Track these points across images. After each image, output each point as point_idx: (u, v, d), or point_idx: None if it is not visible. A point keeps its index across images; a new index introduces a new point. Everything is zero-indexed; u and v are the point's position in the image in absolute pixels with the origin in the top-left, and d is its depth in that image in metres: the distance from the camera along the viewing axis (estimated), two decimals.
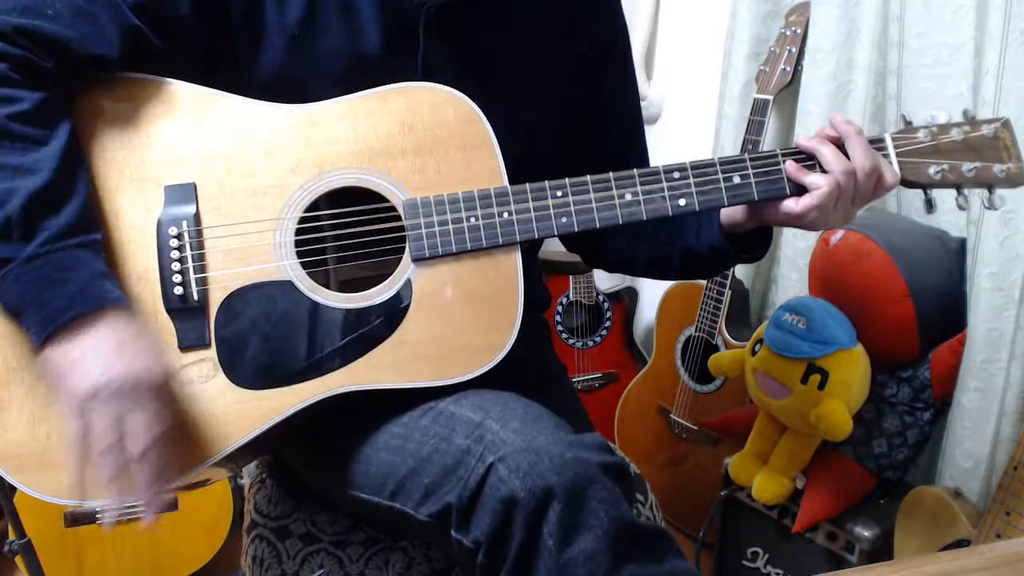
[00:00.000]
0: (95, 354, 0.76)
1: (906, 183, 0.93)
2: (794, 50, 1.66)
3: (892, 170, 0.92)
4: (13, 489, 1.66)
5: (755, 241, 1.02)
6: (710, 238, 1.00)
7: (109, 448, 0.75)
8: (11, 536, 1.45)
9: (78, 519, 1.73)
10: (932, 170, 0.92)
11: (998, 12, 1.28)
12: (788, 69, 1.66)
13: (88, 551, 1.75)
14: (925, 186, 0.94)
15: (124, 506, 0.80)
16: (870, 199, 0.93)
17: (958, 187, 0.93)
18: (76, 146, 0.83)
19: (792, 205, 0.91)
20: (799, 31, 1.66)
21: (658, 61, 2.30)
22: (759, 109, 1.67)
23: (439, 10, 0.94)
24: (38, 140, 0.80)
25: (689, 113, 2.19)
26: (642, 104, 2.44)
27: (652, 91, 2.29)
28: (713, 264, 1.07)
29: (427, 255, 0.87)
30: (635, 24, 2.26)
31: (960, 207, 0.94)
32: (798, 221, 0.93)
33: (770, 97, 1.67)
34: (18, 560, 1.48)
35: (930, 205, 0.95)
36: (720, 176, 0.90)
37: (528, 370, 1.03)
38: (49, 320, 0.76)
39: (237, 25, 0.91)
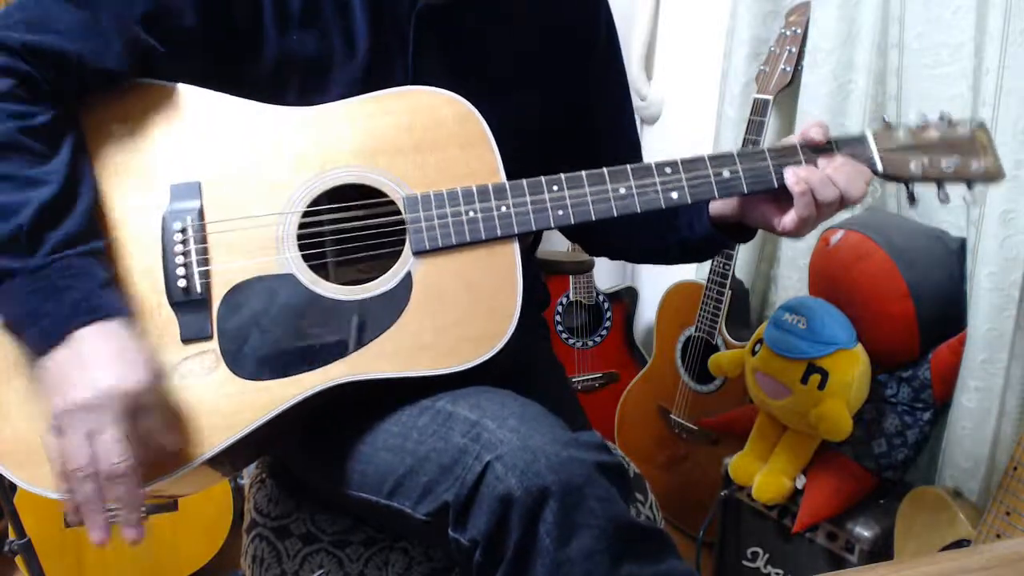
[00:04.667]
0: (84, 366, 0.75)
1: (888, 177, 0.96)
2: (794, 50, 1.66)
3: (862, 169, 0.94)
4: (13, 489, 1.66)
5: (743, 229, 1.04)
6: (702, 231, 1.03)
7: (81, 467, 0.74)
8: (11, 536, 1.45)
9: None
10: (913, 165, 0.95)
11: (998, 12, 1.28)
12: (788, 69, 1.66)
13: (88, 551, 1.75)
14: (907, 180, 0.96)
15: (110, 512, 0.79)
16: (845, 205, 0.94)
17: (939, 182, 0.96)
18: (82, 156, 0.84)
19: (776, 225, 0.95)
20: (799, 31, 1.66)
21: (658, 61, 2.30)
22: (759, 109, 1.67)
23: (428, 11, 0.95)
24: (47, 153, 0.80)
25: (689, 113, 2.19)
26: (642, 104, 2.46)
27: (652, 91, 2.29)
28: (706, 251, 1.13)
29: (427, 248, 0.88)
30: (635, 24, 2.26)
31: (941, 201, 0.97)
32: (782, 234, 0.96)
33: (770, 97, 1.67)
34: (18, 560, 1.49)
35: (912, 199, 0.98)
36: (710, 171, 0.93)
37: (527, 369, 1.03)
38: (51, 330, 0.76)
39: (240, 34, 0.92)
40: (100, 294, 0.78)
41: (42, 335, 0.76)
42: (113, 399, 0.74)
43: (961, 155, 0.95)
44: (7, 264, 0.76)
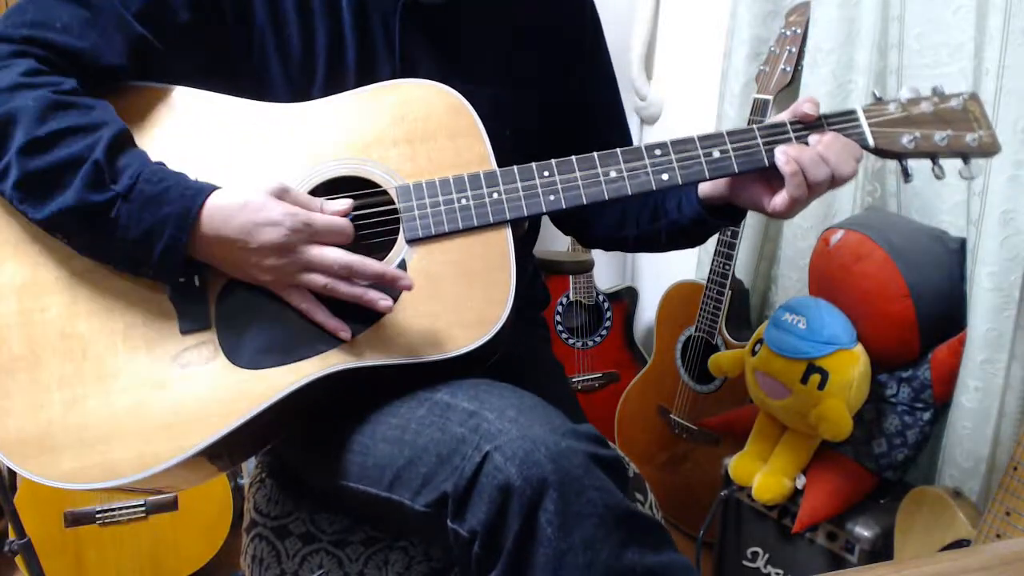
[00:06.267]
0: (246, 216, 0.81)
1: (880, 151, 0.95)
2: (794, 50, 1.66)
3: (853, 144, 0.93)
4: (13, 489, 1.67)
5: (733, 210, 1.04)
6: (691, 213, 1.04)
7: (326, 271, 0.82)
8: (11, 536, 1.45)
9: (78, 519, 1.73)
10: (905, 139, 0.93)
11: (998, 12, 1.28)
12: (788, 69, 1.66)
13: (88, 551, 1.75)
14: (900, 155, 0.95)
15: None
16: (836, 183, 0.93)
17: (933, 157, 0.95)
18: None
19: (766, 206, 0.94)
20: (799, 31, 1.66)
21: (658, 61, 2.30)
22: (759, 109, 1.67)
23: (415, 7, 0.96)
24: (90, 104, 0.83)
25: (689, 113, 2.19)
26: (642, 104, 2.45)
27: (652, 91, 2.29)
28: (697, 234, 1.11)
29: (420, 235, 0.89)
30: (635, 24, 2.26)
31: (936, 176, 0.96)
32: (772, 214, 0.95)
33: (770, 97, 1.67)
34: (18, 560, 1.49)
35: (906, 174, 0.96)
36: (700, 151, 0.93)
37: (526, 369, 1.03)
38: (181, 224, 0.80)
39: (231, 29, 0.94)
40: (187, 179, 0.83)
41: (175, 233, 0.80)
42: (283, 221, 0.82)
43: (954, 128, 0.93)
44: (100, 197, 0.79)
